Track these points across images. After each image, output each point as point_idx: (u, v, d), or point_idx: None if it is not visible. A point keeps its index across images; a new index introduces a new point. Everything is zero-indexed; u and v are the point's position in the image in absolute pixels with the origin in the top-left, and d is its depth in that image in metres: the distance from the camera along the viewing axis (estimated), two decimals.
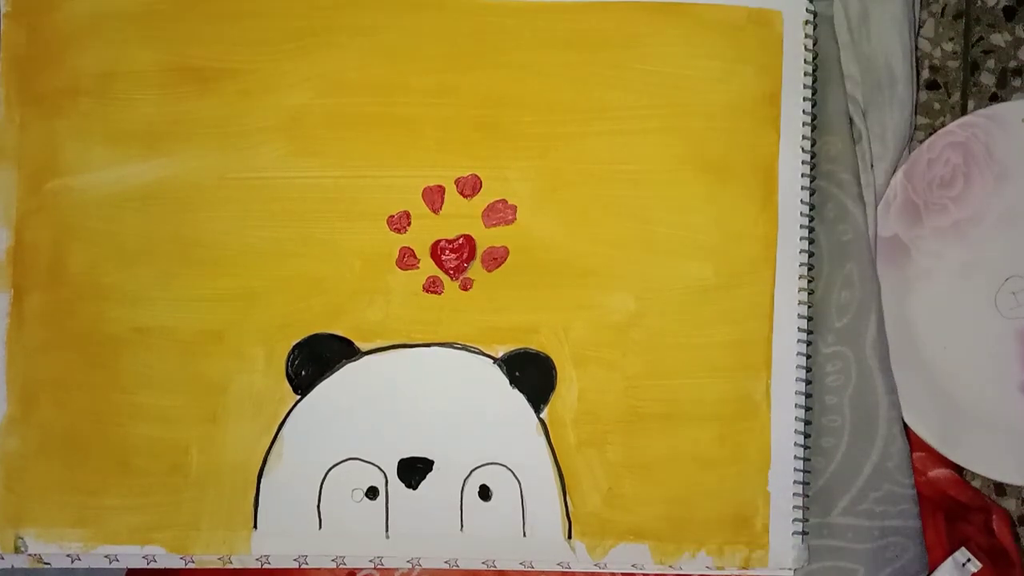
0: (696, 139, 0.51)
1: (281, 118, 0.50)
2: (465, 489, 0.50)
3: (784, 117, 0.51)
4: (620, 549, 0.50)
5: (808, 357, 0.51)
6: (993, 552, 0.52)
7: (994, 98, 0.58)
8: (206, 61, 0.50)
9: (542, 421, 0.50)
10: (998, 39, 0.58)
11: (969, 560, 0.51)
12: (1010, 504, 0.57)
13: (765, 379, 0.51)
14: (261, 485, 0.50)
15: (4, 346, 0.50)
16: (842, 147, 0.53)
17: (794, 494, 0.50)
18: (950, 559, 0.52)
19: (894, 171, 0.55)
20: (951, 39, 0.58)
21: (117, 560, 0.50)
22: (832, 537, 0.52)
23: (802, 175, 0.51)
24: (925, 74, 0.58)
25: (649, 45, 0.51)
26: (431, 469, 0.50)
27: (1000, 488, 0.57)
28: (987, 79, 0.58)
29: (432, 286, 0.50)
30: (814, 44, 0.52)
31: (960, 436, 0.54)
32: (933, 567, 0.52)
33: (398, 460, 0.50)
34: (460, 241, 0.50)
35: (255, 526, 0.50)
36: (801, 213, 0.51)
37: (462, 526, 0.50)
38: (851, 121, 0.53)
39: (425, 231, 0.51)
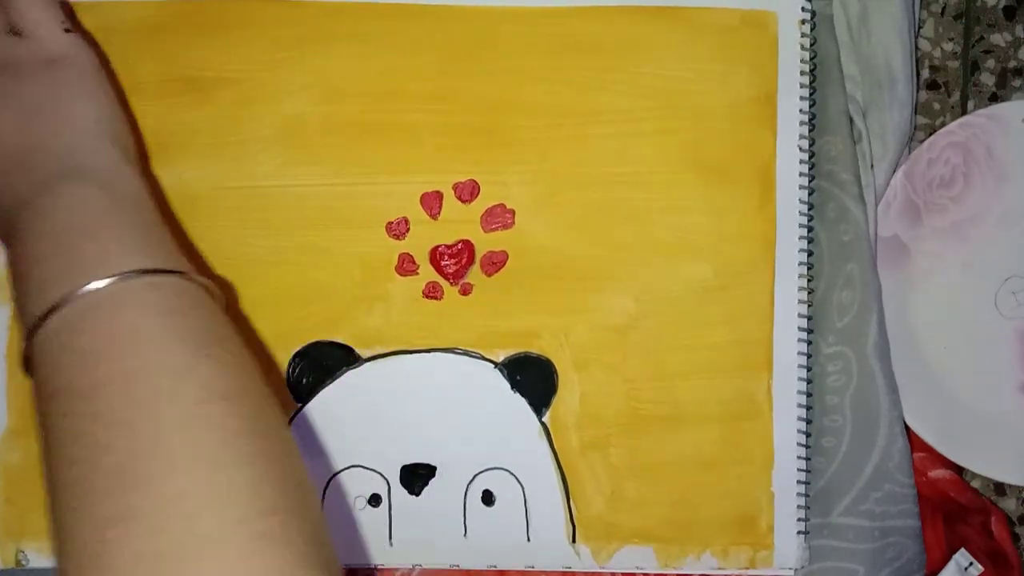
0: (693, 141, 0.51)
1: (278, 127, 0.50)
2: (468, 494, 0.50)
3: (781, 117, 0.51)
4: (624, 552, 0.50)
5: (809, 357, 0.51)
6: (992, 554, 0.53)
7: (994, 98, 0.57)
8: (203, 71, 0.50)
9: (544, 425, 0.50)
10: (998, 39, 0.58)
11: (972, 564, 0.51)
12: (1010, 504, 0.57)
13: (766, 379, 0.51)
14: None
15: (4, 359, 0.49)
16: (842, 147, 0.52)
17: (796, 494, 0.50)
18: (952, 562, 0.52)
19: (894, 171, 0.55)
20: (951, 39, 0.58)
21: None
22: (833, 537, 0.52)
23: (800, 175, 0.51)
24: (925, 74, 0.58)
25: (644, 49, 0.51)
26: (434, 475, 0.50)
27: (1000, 488, 0.57)
28: (987, 79, 0.58)
29: (432, 292, 0.50)
30: (812, 44, 0.51)
31: (960, 436, 0.54)
32: (931, 568, 0.53)
33: (400, 467, 0.50)
34: (459, 246, 0.50)
35: None
36: (800, 213, 0.51)
37: (466, 531, 0.50)
38: (851, 121, 0.53)
39: (424, 237, 0.50)
